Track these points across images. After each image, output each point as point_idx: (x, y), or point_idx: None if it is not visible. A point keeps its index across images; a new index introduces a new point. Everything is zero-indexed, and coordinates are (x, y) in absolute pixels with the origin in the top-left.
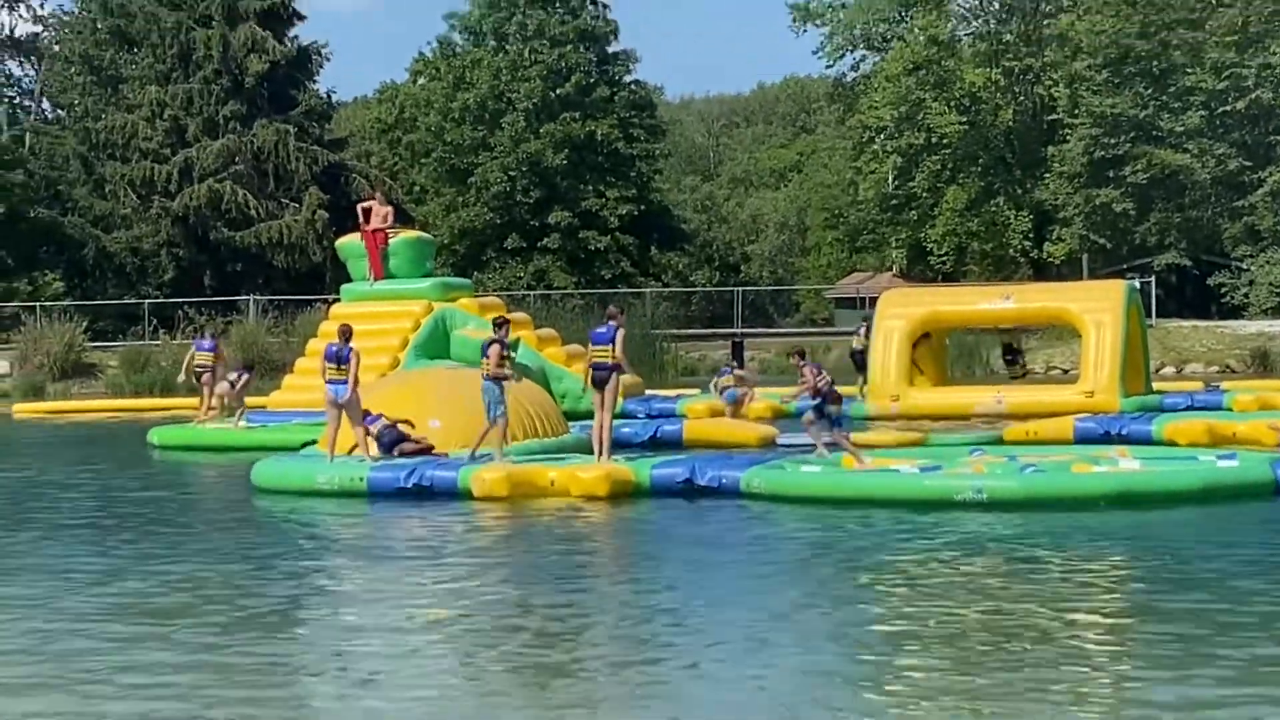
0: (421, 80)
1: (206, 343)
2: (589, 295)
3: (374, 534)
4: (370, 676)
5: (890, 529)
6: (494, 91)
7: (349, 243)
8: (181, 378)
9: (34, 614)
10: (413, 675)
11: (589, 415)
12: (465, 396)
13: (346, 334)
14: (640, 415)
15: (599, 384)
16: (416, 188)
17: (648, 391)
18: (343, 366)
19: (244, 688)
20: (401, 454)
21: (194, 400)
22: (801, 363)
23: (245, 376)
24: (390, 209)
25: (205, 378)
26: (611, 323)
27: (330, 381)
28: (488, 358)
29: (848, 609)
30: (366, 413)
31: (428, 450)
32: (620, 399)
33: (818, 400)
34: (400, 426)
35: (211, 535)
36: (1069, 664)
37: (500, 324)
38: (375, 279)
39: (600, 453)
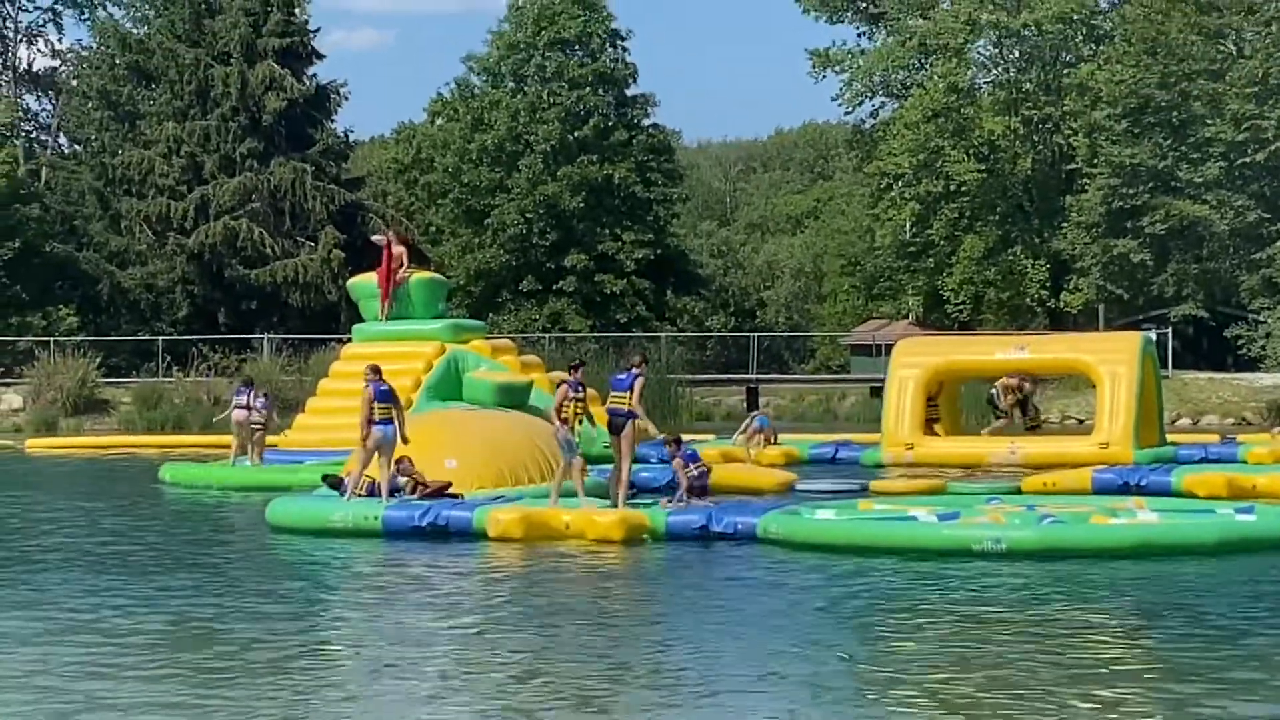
0: (439, 121)
1: (260, 400)
2: (604, 339)
3: (386, 574)
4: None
5: (907, 578)
6: (512, 133)
7: (361, 282)
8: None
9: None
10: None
11: (604, 459)
12: (480, 437)
13: (377, 371)
14: (654, 460)
15: (615, 430)
16: (433, 228)
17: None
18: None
19: None
20: (422, 495)
21: (209, 439)
22: (676, 451)
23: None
24: (404, 249)
25: (257, 435)
26: (633, 370)
27: (380, 422)
28: (629, 390)
29: (861, 659)
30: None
31: (443, 489)
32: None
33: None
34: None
35: (228, 573)
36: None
37: (575, 367)
38: (383, 300)
39: (617, 499)
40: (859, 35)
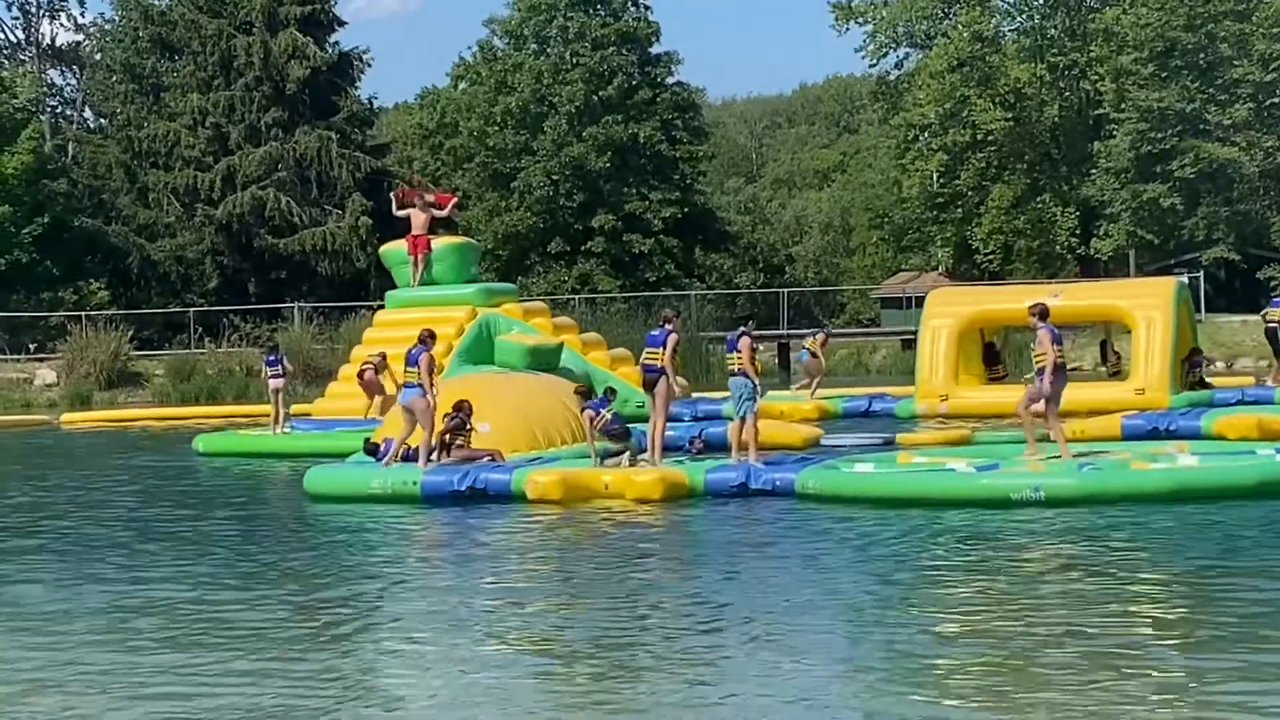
0: (463, 85)
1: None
2: (633, 299)
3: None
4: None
5: (948, 528)
6: (536, 95)
7: (392, 249)
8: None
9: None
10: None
11: (639, 418)
12: (514, 401)
13: (423, 338)
14: (686, 418)
15: (648, 386)
16: (459, 193)
17: (694, 394)
18: (409, 369)
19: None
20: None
21: (243, 409)
22: (583, 403)
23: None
24: (427, 214)
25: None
26: (667, 326)
27: (406, 385)
28: (738, 352)
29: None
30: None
31: (484, 456)
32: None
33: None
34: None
35: (270, 544)
36: (1124, 663)
37: (746, 319)
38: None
39: (654, 455)
40: None
